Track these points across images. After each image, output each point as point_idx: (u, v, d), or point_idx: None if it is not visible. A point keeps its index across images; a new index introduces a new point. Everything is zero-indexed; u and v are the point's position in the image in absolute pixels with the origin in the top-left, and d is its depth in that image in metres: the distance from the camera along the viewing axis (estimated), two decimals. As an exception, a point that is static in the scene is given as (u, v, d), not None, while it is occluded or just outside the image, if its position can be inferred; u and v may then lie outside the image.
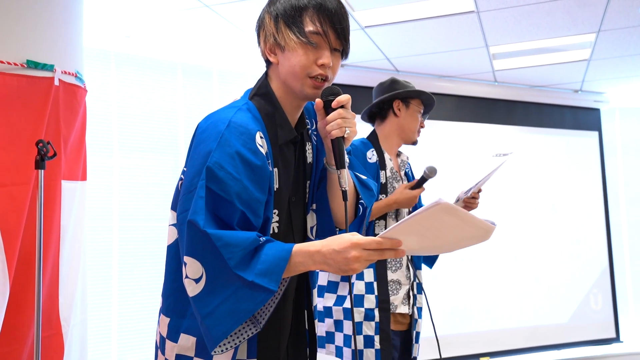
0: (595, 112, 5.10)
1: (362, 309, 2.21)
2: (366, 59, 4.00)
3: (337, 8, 1.30)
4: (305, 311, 1.43)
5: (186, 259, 1.17)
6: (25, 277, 2.18)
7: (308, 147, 1.42)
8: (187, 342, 1.27)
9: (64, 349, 2.34)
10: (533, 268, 4.65)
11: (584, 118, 5.03)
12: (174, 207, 1.33)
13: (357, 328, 2.20)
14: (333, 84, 1.35)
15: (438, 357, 4.22)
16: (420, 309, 2.39)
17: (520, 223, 4.64)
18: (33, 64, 2.29)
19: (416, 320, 2.36)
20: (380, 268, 2.26)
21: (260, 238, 1.17)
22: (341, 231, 1.45)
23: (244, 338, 1.21)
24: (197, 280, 1.15)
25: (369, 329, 2.20)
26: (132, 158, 3.59)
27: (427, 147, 4.43)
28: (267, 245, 1.17)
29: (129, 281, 3.51)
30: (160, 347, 1.34)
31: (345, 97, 1.33)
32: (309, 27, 1.28)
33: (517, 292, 4.56)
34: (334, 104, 1.31)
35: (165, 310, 1.32)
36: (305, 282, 1.41)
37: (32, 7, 2.35)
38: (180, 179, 1.31)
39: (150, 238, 3.55)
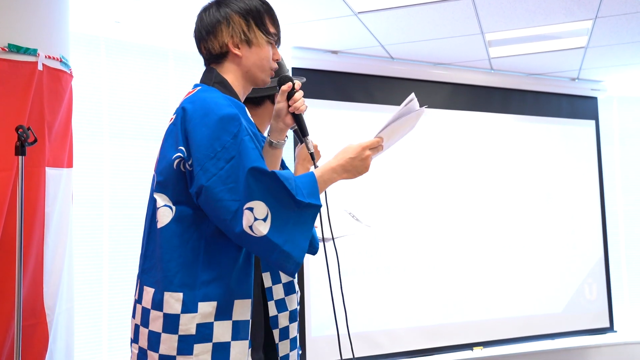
0: (593, 100, 5.05)
1: None
2: (359, 46, 3.94)
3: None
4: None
5: (251, 204, 1.33)
6: (6, 265, 2.15)
7: None
8: (207, 309, 1.39)
9: (49, 338, 2.32)
10: (527, 257, 4.62)
11: (581, 106, 4.99)
12: (162, 190, 1.45)
13: None
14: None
15: (427, 347, 4.22)
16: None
17: (515, 212, 4.61)
18: (15, 48, 2.25)
19: None
20: None
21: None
22: None
23: None
24: (264, 219, 1.33)
25: None
26: (122, 145, 3.56)
27: (422, 136, 4.39)
28: (294, 177, 1.41)
29: (119, 269, 3.48)
30: (167, 328, 1.39)
31: (302, 80, 1.69)
32: (271, 29, 1.57)
33: (511, 282, 4.54)
34: (297, 87, 1.57)
35: (176, 287, 1.40)
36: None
37: (15, -11, 2.30)
38: (178, 157, 1.41)
39: (142, 225, 3.51)
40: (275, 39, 1.58)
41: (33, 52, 2.30)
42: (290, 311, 1.69)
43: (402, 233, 4.20)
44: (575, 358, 4.67)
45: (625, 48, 4.05)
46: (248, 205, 1.33)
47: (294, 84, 1.57)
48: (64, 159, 2.51)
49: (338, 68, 4.05)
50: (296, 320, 1.71)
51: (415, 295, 4.20)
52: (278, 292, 1.67)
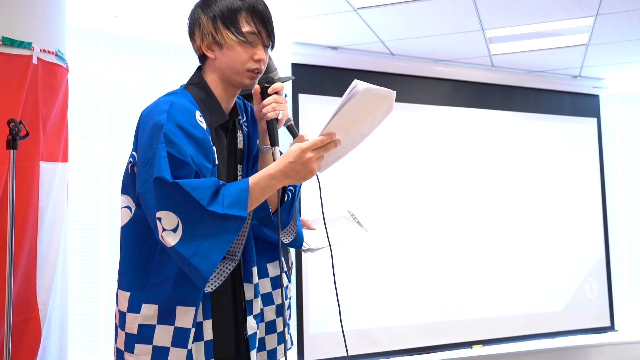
0: (594, 98, 5.01)
1: None
2: (359, 42, 3.92)
3: (266, 10, 1.50)
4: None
5: (159, 214, 1.30)
6: (-2, 259, 2.14)
7: (239, 135, 1.59)
8: (149, 311, 1.40)
9: (42, 333, 2.30)
10: (528, 256, 4.60)
11: (582, 104, 4.95)
12: (126, 192, 1.47)
13: None
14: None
15: (426, 345, 4.20)
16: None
17: (516, 210, 4.59)
18: (9, 41, 2.23)
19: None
20: None
21: (220, 182, 1.35)
22: (274, 214, 1.59)
23: (226, 274, 1.38)
24: (174, 230, 1.29)
25: None
26: (121, 140, 3.55)
27: (422, 133, 4.37)
28: (226, 185, 1.35)
29: (117, 265, 3.47)
30: (120, 324, 1.45)
31: (279, 85, 1.54)
32: (245, 28, 1.46)
33: (511, 280, 4.51)
34: (269, 91, 1.51)
35: (125, 285, 1.45)
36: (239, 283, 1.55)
37: (9, -18, 2.28)
38: (130, 162, 1.45)
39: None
40: (252, 38, 1.46)
41: (27, 45, 2.28)
42: (276, 305, 1.67)
43: (402, 230, 4.18)
44: (576, 357, 4.65)
45: (626, 45, 4.02)
46: (157, 215, 1.31)
47: (262, 88, 1.52)
48: (59, 154, 2.50)
49: (338, 64, 4.03)
50: (282, 315, 1.69)
51: (415, 292, 4.18)
52: (265, 286, 1.65)
